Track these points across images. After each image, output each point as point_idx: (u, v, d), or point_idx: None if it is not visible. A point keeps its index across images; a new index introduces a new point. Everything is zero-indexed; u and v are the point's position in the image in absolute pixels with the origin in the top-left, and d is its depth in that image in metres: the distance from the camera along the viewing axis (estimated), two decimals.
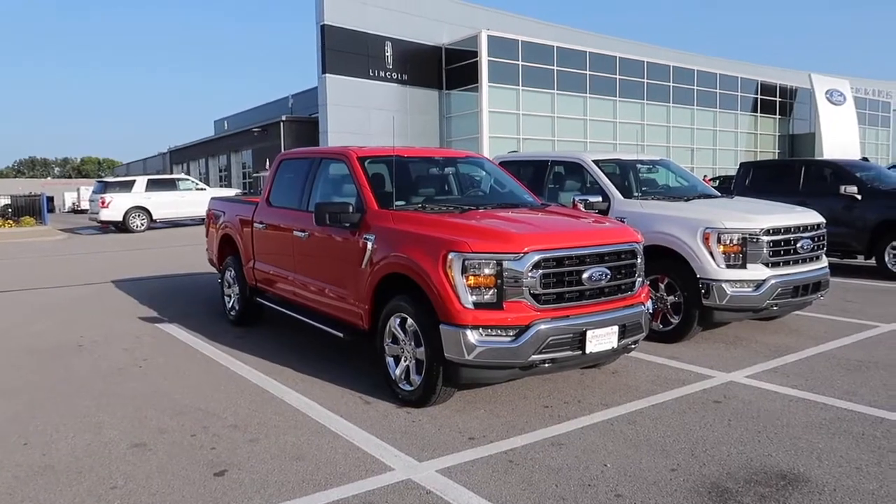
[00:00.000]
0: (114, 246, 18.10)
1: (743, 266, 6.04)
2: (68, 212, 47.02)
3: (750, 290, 6.01)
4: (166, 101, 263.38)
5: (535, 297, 4.28)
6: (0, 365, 5.94)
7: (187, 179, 25.09)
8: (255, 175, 37.28)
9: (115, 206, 22.06)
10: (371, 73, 32.44)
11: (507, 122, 33.58)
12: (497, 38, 33.10)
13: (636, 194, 7.14)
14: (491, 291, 4.23)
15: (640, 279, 4.87)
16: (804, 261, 6.39)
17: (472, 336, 4.18)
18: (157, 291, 9.82)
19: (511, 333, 4.22)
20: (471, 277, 4.23)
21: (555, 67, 35.11)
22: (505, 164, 7.76)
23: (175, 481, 3.53)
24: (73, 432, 4.26)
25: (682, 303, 6.22)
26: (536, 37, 34.93)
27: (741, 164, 12.29)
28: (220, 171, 46.17)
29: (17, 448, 4.02)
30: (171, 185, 23.98)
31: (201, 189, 24.20)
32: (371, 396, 4.89)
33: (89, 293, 9.86)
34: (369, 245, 4.96)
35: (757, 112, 45.75)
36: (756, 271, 6.04)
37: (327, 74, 31.14)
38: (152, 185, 23.10)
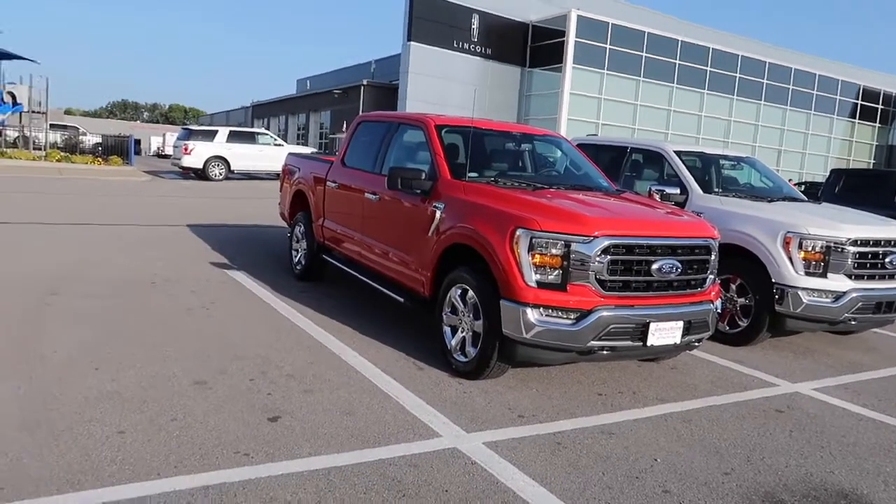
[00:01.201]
0: (192, 192, 18.77)
1: (823, 275, 5.76)
2: (153, 155, 48.92)
3: (828, 300, 5.72)
4: (252, 58, 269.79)
5: (601, 282, 4.19)
6: (78, 293, 6.26)
7: (266, 134, 25.69)
8: (331, 136, 37.86)
9: (197, 154, 22.82)
10: (455, 45, 32.28)
11: (587, 106, 32.92)
12: (586, 18, 32.34)
13: (716, 190, 6.88)
14: (556, 272, 4.17)
15: (711, 276, 4.70)
16: (892, 276, 6.04)
17: (533, 315, 4.14)
18: (228, 239, 10.13)
19: (572, 316, 4.16)
20: (537, 256, 4.18)
21: (643, 54, 34.09)
22: (582, 147, 7.59)
23: (231, 421, 3.65)
24: (141, 364, 4.46)
25: (753, 306, 5.99)
26: (627, 20, 33.91)
27: (832, 171, 11.69)
28: (299, 129, 47.10)
29: (88, 372, 4.23)
30: (250, 138, 24.61)
31: (279, 145, 24.73)
32: (425, 363, 4.92)
33: (166, 234, 10.27)
34: (438, 213, 4.96)
35: (855, 118, 43.32)
36: (837, 282, 5.75)
37: (412, 42, 31.17)
38: (233, 137, 23.75)
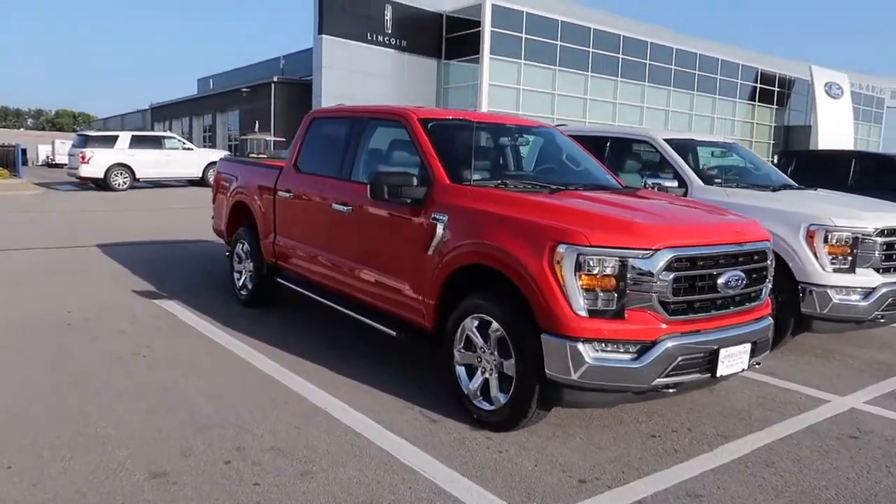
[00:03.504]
0: (96, 205, 16.88)
1: (851, 270, 5.23)
2: (42, 165, 44.97)
3: (857, 298, 5.20)
4: (146, 58, 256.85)
5: (664, 305, 3.42)
6: None
7: (174, 138, 23.68)
8: (242, 137, 35.81)
9: (96, 162, 20.68)
10: (369, 37, 31.05)
11: (506, 97, 32.49)
12: (501, 7, 31.83)
13: (717, 181, 6.28)
14: (610, 296, 3.36)
15: (769, 286, 4.03)
16: None
17: (585, 351, 3.31)
18: (150, 260, 8.79)
19: (633, 350, 3.37)
20: (585, 277, 3.35)
21: (558, 42, 33.99)
22: None
23: None
24: (71, 451, 3.32)
25: (776, 309, 5.39)
26: (540, 9, 33.68)
27: (781, 153, 11.53)
28: (205, 131, 44.43)
29: None
30: (156, 142, 22.59)
31: (188, 149, 22.88)
32: (435, 412, 4.01)
33: (73, 258, 8.80)
34: (440, 227, 4.04)
35: (755, 101, 45.09)
36: (866, 277, 5.24)
37: (324, 35, 29.72)
38: (136, 142, 21.70)
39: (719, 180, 6.29)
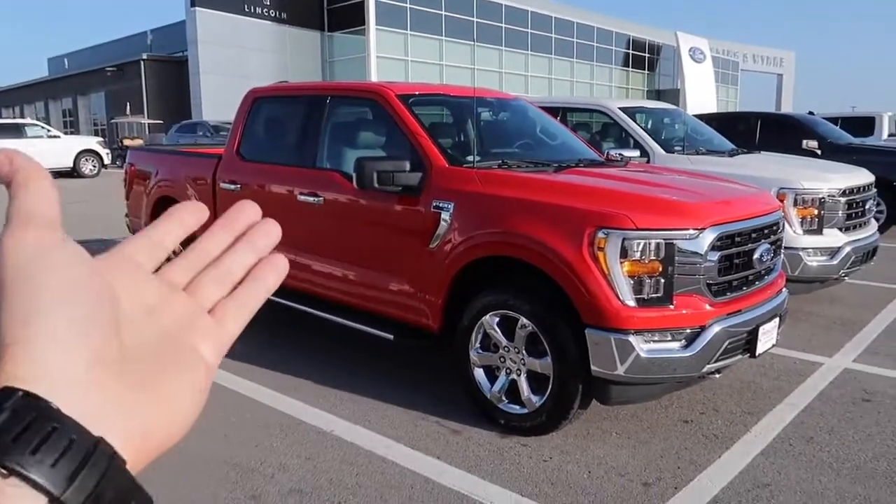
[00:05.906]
0: None
1: (819, 231, 5.33)
2: None
3: (826, 258, 5.31)
4: None
5: (710, 287, 3.21)
6: None
7: (36, 125, 21.32)
8: (112, 121, 32.98)
9: None
10: (246, 9, 29.34)
11: (395, 69, 31.80)
12: None
13: (677, 148, 6.21)
14: (657, 282, 3.11)
15: (781, 256, 3.94)
16: (864, 225, 5.81)
17: (637, 343, 3.05)
18: None
19: (681, 338, 3.15)
20: (631, 263, 3.07)
21: (443, 13, 33.61)
22: None
23: None
24: None
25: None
26: None
27: (695, 116, 11.82)
28: (64, 115, 40.62)
29: None
30: (15, 130, 20.21)
31: (55, 136, 20.68)
32: (452, 421, 3.64)
33: None
34: (444, 217, 3.63)
35: (629, 67, 46.95)
36: (832, 237, 5.35)
37: (197, 8, 27.71)
38: None
39: (679, 148, 6.23)
